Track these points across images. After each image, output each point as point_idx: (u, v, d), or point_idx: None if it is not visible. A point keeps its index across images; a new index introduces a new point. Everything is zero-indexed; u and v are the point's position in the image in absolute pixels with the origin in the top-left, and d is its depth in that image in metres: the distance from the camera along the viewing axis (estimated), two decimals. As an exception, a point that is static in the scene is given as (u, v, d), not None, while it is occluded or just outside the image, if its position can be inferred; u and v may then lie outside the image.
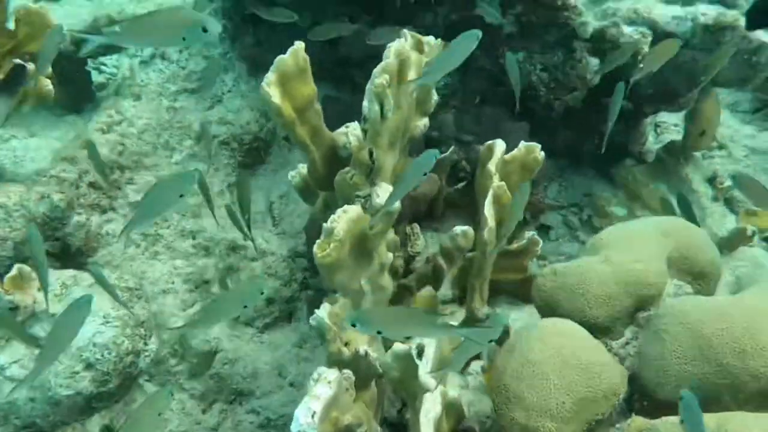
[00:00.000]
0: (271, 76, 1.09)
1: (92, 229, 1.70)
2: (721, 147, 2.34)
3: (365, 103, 1.15)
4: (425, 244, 1.78)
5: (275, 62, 1.11)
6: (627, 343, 1.19)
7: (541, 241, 1.65)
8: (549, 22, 1.78)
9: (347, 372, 1.11)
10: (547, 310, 1.21)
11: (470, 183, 1.88)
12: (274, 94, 1.09)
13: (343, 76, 2.05)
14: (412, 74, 1.16)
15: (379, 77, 1.07)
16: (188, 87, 2.04)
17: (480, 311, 1.36)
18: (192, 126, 1.93)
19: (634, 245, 1.22)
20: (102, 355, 1.40)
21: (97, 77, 2.21)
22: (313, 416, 1.01)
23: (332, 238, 1.07)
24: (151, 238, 1.81)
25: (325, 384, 1.04)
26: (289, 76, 1.11)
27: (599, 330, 1.17)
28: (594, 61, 1.85)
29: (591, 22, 1.78)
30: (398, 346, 1.04)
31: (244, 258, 1.87)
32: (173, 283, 1.80)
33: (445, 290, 1.64)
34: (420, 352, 1.06)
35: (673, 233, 1.27)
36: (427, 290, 1.39)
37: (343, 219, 1.08)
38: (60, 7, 2.13)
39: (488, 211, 1.24)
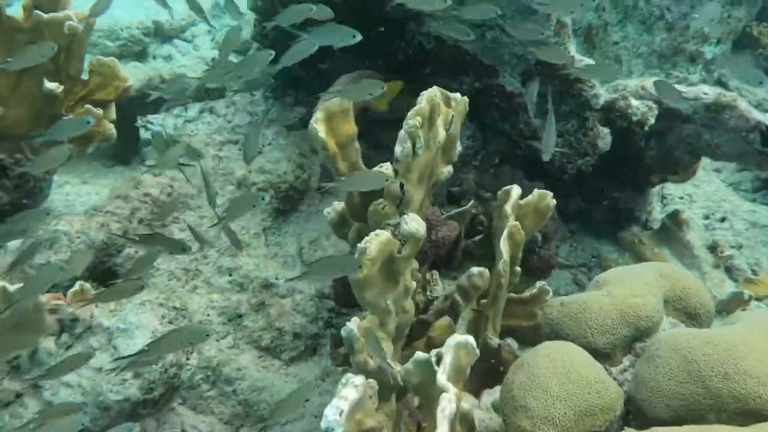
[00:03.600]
0: (319, 114, 1.28)
1: (139, 260, 1.86)
2: (723, 219, 2.49)
3: (398, 146, 1.32)
4: (444, 289, 1.92)
5: (324, 102, 1.29)
6: (625, 370, 1.31)
7: (551, 291, 1.79)
8: (564, 92, 1.96)
9: (372, 380, 1.24)
10: (554, 336, 1.34)
11: (487, 236, 2.03)
12: (321, 130, 1.27)
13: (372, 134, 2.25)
14: (440, 121, 1.34)
15: (413, 119, 1.25)
16: (232, 139, 2.24)
17: (492, 341, 1.49)
18: (234, 173, 2.12)
19: (633, 283, 1.36)
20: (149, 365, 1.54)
21: (143, 133, 2.44)
22: (340, 414, 1.13)
23: (365, 256, 1.22)
24: (191, 273, 1.97)
25: (352, 387, 1.17)
26: (334, 114, 1.29)
27: (600, 356, 1.30)
28: (605, 130, 2.02)
29: (603, 94, 1.96)
30: (419, 354, 1.18)
31: (275, 295, 2.02)
32: (209, 315, 1.95)
33: (460, 331, 1.77)
34: (438, 360, 1.19)
35: (670, 276, 1.41)
36: (444, 319, 1.52)
37: (375, 241, 1.23)
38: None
39: (503, 246, 1.40)
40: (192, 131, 2.10)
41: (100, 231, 1.72)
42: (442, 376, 1.15)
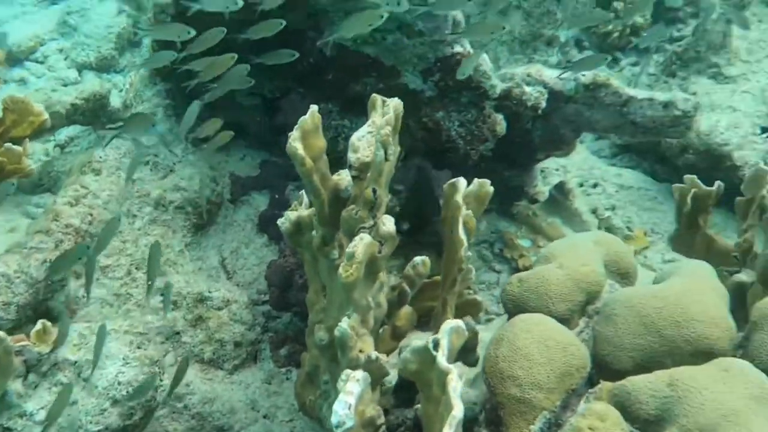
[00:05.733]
0: (295, 134, 1.32)
1: (71, 293, 1.80)
2: (595, 185, 2.79)
3: (377, 152, 1.40)
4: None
5: (299, 122, 1.34)
6: (581, 331, 1.49)
7: (474, 270, 1.94)
8: (463, 86, 2.11)
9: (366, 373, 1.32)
10: (518, 310, 1.48)
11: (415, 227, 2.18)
12: (299, 148, 1.32)
13: (278, 143, 2.28)
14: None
15: (385, 128, 1.33)
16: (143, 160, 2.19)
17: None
18: (150, 194, 2.08)
19: (579, 253, 1.53)
20: (126, 392, 1.51)
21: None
22: (349, 408, 1.20)
23: (354, 260, 1.29)
24: (123, 297, 1.92)
25: (354, 381, 1.24)
26: (308, 132, 1.34)
27: (561, 322, 1.45)
28: (500, 116, 2.20)
29: (499, 84, 2.13)
30: (416, 342, 1.27)
31: (211, 308, 2.02)
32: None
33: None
34: (435, 345, 1.29)
35: (604, 243, 1.60)
36: (406, 308, 1.63)
37: (361, 244, 1.31)
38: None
39: (462, 233, 1.52)
40: (101, 157, 2.03)
41: (40, 268, 1.64)
42: (443, 359, 1.26)
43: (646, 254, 2.51)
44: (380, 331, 1.65)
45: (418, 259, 1.70)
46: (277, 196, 2.35)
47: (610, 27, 3.31)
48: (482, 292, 2.37)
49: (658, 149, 2.73)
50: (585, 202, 2.59)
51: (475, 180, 1.67)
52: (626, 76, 3.22)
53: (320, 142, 1.38)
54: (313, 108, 1.36)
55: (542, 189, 2.64)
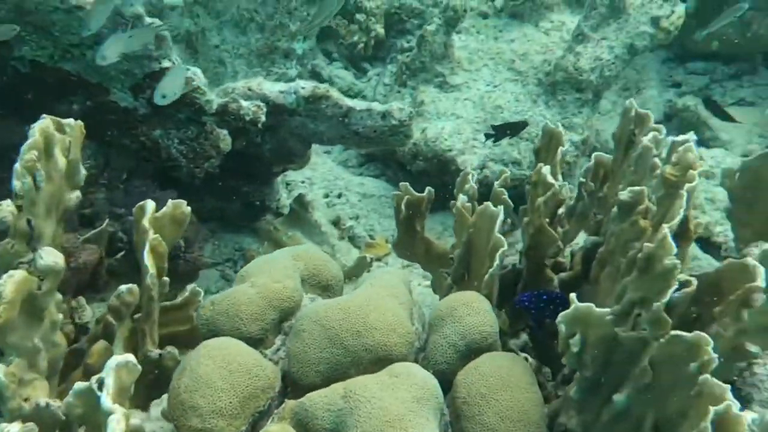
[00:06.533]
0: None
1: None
2: (339, 195, 2.82)
3: (15, 181, 1.28)
4: (93, 314, 1.88)
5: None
6: (278, 350, 1.46)
7: (202, 291, 1.87)
8: (179, 101, 2.03)
9: (30, 425, 1.20)
10: (211, 335, 1.43)
11: (129, 252, 2.04)
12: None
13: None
14: (57, 150, 1.32)
15: (28, 153, 1.22)
16: None
17: (153, 353, 1.53)
18: None
19: (272, 270, 1.51)
20: None
21: None
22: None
23: (2, 301, 1.17)
24: None
25: (6, 436, 1.13)
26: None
27: (255, 342, 1.42)
28: (224, 132, 2.14)
29: (215, 99, 2.08)
30: (78, 384, 1.18)
31: None
32: None
33: (118, 351, 1.76)
34: (100, 385, 1.20)
35: (303, 256, 1.59)
36: (100, 343, 1.52)
37: (10, 282, 1.19)
38: None
39: (148, 260, 1.44)
40: None
41: None
42: (106, 400, 1.17)
43: (388, 260, 2.57)
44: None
45: (123, 287, 1.60)
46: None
47: (356, 38, 3.38)
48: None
49: (397, 157, 2.81)
50: (329, 213, 2.60)
51: (170, 201, 1.60)
52: (373, 85, 3.31)
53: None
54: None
55: (287, 203, 2.63)
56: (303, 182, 2.81)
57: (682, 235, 1.24)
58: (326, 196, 2.82)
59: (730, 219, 2.19)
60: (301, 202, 2.49)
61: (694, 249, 2.42)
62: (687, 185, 1.21)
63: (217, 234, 2.55)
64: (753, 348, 1.41)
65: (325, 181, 2.87)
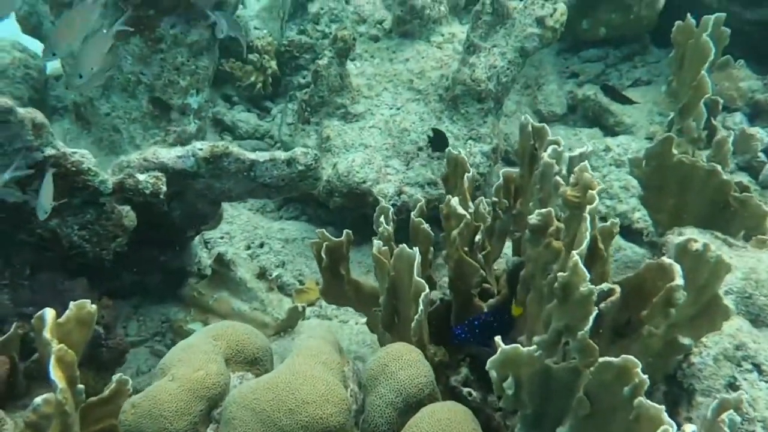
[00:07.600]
0: None
1: None
2: (261, 245, 2.75)
3: None
4: (16, 425, 1.77)
5: None
6: (212, 440, 1.39)
7: (130, 380, 1.78)
8: (70, 187, 1.93)
9: None
10: (138, 440, 1.35)
11: (44, 352, 1.92)
12: None
13: None
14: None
15: None
16: None
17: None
18: None
19: (191, 357, 1.44)
20: None
21: None
22: None
23: None
24: None
25: None
26: None
27: (185, 438, 1.35)
28: (126, 208, 2.05)
29: (110, 178, 1.98)
30: None
31: None
32: None
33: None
34: None
35: (223, 335, 1.53)
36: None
37: None
38: None
39: (56, 374, 1.35)
40: None
41: None
42: None
43: (321, 304, 2.51)
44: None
45: (38, 399, 1.49)
46: None
47: (253, 78, 3.32)
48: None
49: (315, 195, 2.76)
50: (253, 266, 2.52)
51: (71, 304, 1.51)
52: (278, 123, 3.25)
53: None
54: None
55: (208, 262, 2.54)
56: (222, 238, 2.73)
57: (592, 257, 1.23)
58: (248, 247, 2.74)
59: (645, 206, 2.23)
60: (221, 262, 2.41)
61: (617, 240, 2.45)
62: (588, 207, 1.19)
63: (141, 309, 2.45)
64: (685, 340, 1.42)
65: (245, 233, 2.79)
